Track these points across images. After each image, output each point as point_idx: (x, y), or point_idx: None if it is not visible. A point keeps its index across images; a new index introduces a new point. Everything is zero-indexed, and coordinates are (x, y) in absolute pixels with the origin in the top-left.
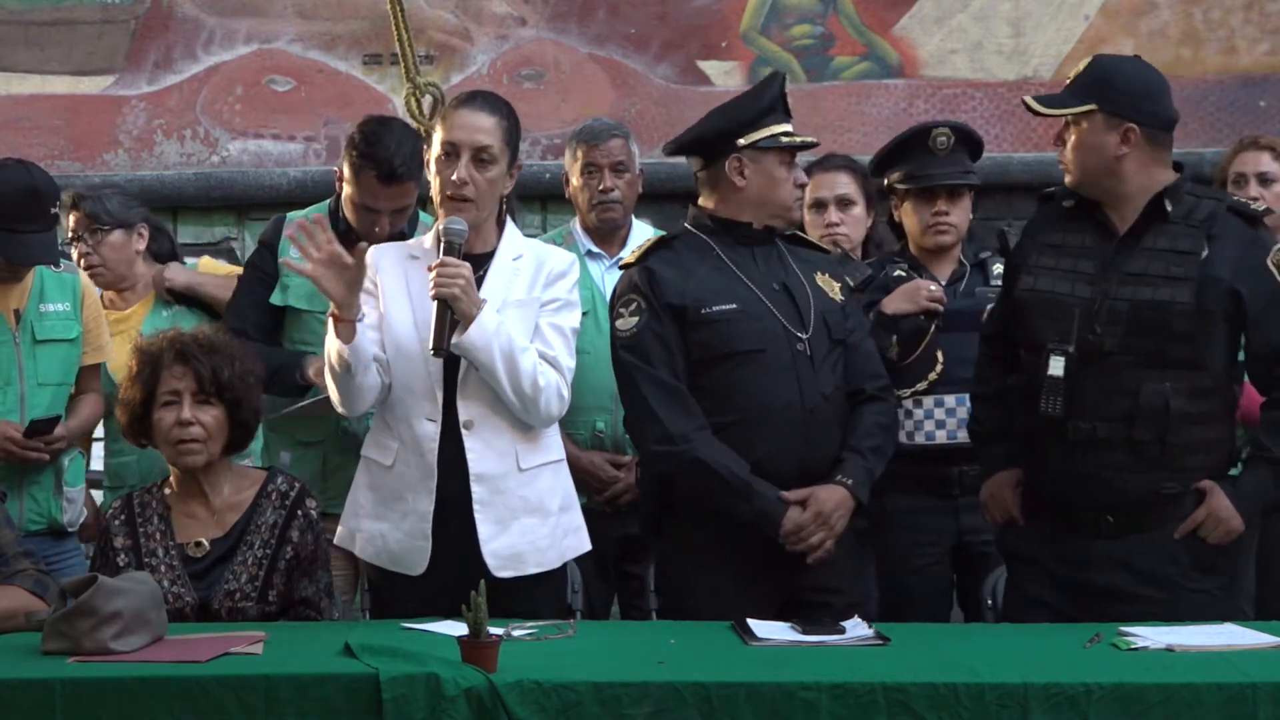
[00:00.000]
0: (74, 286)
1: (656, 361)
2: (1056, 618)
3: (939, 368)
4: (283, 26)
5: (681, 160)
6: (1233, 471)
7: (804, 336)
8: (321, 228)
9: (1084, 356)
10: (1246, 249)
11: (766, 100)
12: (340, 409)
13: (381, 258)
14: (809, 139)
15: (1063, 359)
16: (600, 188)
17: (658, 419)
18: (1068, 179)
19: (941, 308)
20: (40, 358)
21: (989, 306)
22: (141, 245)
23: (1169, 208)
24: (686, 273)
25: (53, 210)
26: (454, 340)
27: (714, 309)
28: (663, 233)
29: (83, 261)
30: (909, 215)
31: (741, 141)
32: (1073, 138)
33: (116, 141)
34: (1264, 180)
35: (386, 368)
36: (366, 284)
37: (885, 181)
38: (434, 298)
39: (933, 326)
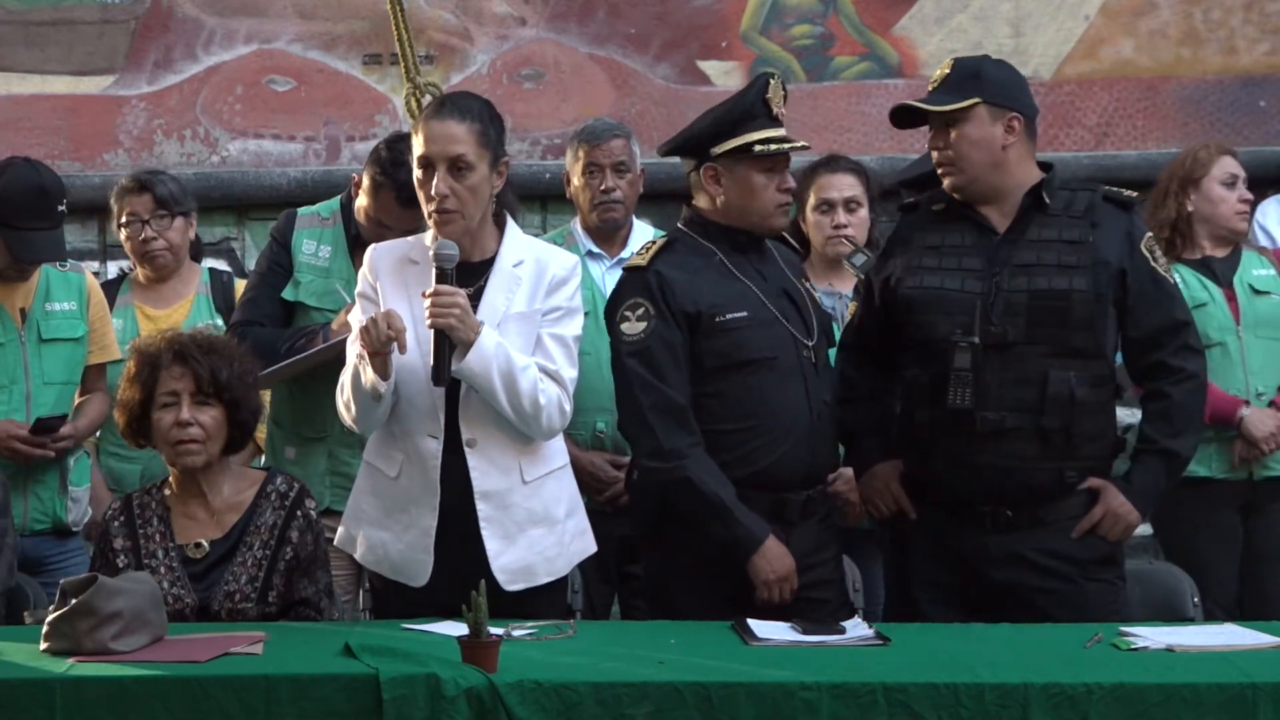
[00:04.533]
0: (80, 286)
1: (664, 373)
2: (953, 614)
3: None
4: (283, 26)
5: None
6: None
7: (810, 343)
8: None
9: (987, 348)
10: (1126, 233)
11: (741, 107)
12: (352, 424)
13: (380, 262)
14: (786, 146)
15: (969, 351)
16: (602, 188)
17: (653, 432)
18: (954, 179)
19: None
20: (46, 356)
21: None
22: (192, 235)
23: (1047, 200)
24: (695, 277)
25: (59, 209)
26: (453, 367)
27: (728, 316)
28: (663, 233)
29: (141, 246)
30: None
31: (714, 151)
32: (957, 135)
33: (116, 141)
34: (1243, 182)
35: (395, 385)
36: (366, 289)
37: (919, 193)
38: (430, 328)
39: None
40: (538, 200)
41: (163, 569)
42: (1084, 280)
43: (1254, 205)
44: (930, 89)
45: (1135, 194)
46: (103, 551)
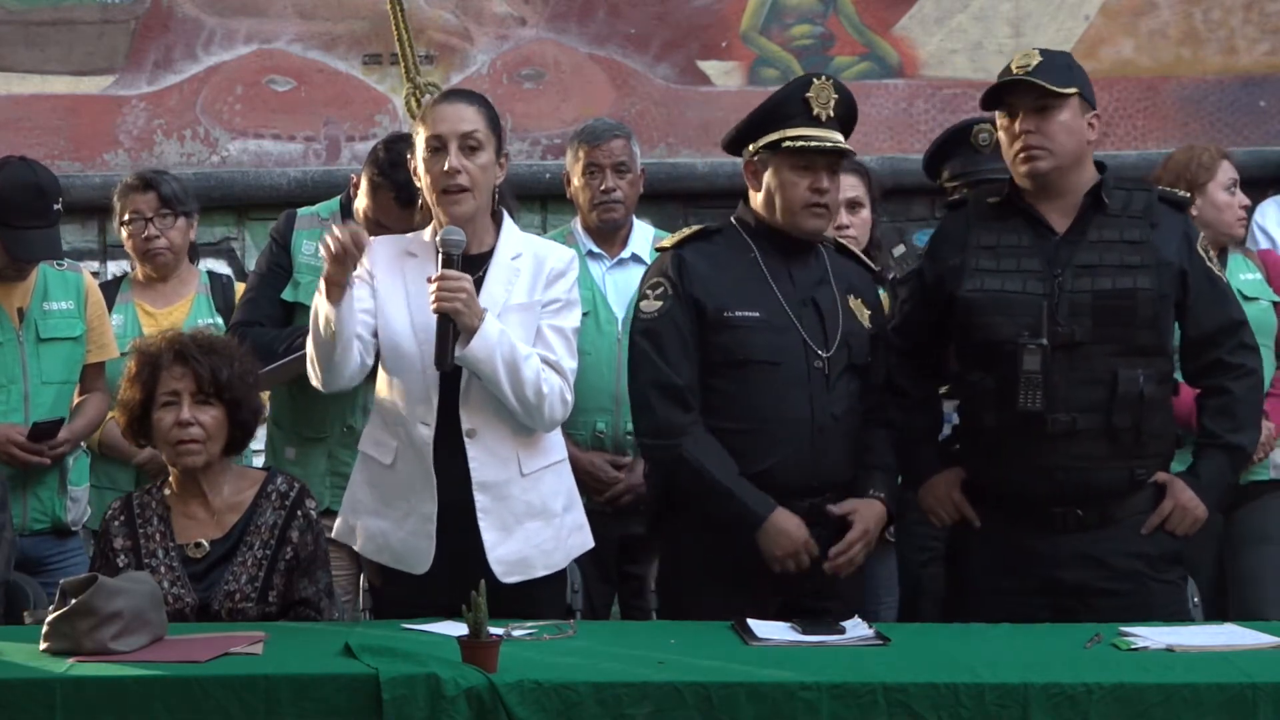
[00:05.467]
0: (77, 285)
1: (669, 354)
2: (1017, 619)
3: None
4: (283, 26)
5: (681, 160)
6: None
7: (824, 355)
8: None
9: (1055, 349)
10: (1184, 234)
11: (777, 101)
12: (317, 380)
13: (377, 253)
14: (814, 144)
15: (1038, 354)
16: (602, 188)
17: (653, 410)
18: (1041, 164)
19: None
20: (44, 356)
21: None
22: (193, 236)
23: (1107, 200)
24: (719, 270)
25: (56, 207)
26: (457, 353)
27: (736, 314)
28: (664, 233)
29: (143, 245)
30: None
31: (752, 146)
32: (1054, 121)
33: (116, 141)
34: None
35: (369, 348)
36: (361, 272)
37: (939, 181)
38: (435, 311)
39: None
40: (538, 200)
41: (163, 569)
42: (1148, 279)
43: (1252, 206)
44: (1020, 73)
45: (1188, 195)
46: (103, 551)
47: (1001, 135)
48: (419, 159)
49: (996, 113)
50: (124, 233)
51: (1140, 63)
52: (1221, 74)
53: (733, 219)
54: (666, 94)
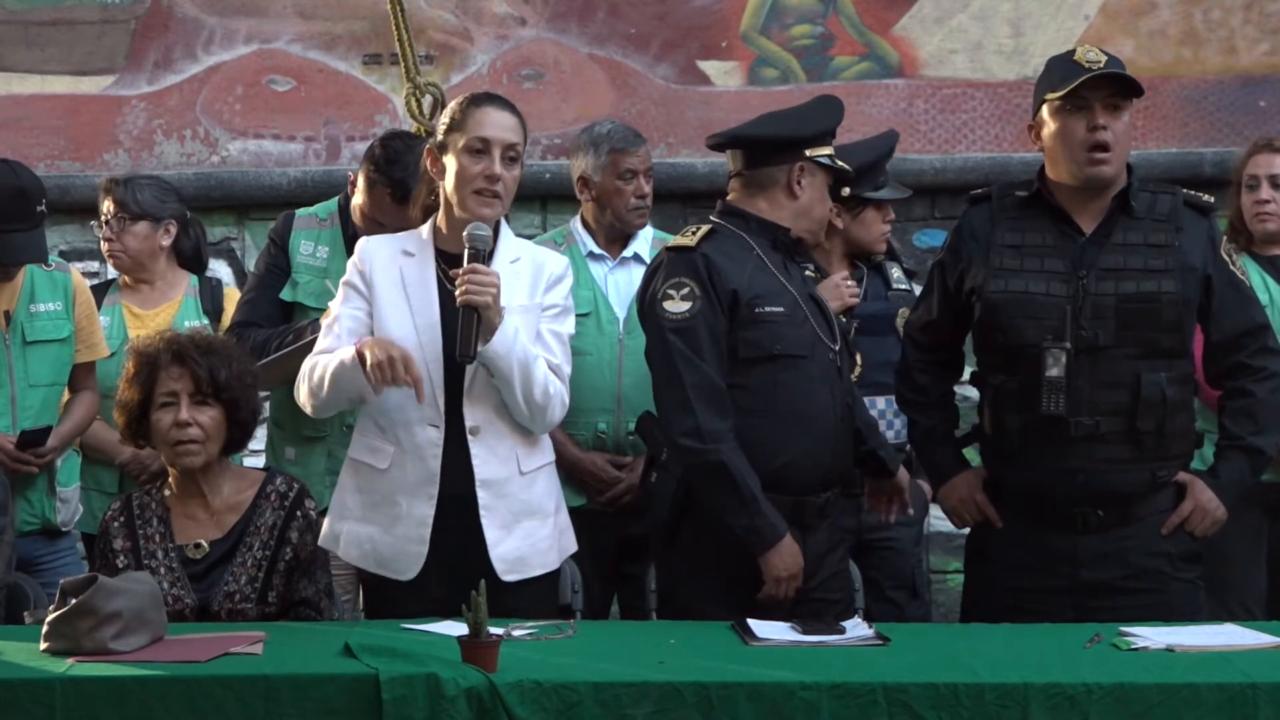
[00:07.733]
0: (65, 285)
1: (706, 354)
2: (1039, 619)
3: (858, 370)
4: (283, 26)
5: (681, 160)
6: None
7: (835, 347)
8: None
9: (1078, 352)
10: (1207, 239)
11: (835, 121)
12: (309, 406)
13: (374, 253)
14: (847, 167)
15: (1063, 357)
16: (639, 194)
17: (693, 413)
18: (1111, 168)
19: (857, 301)
20: (31, 359)
21: (900, 309)
22: (167, 241)
23: (1133, 203)
24: (738, 266)
25: (39, 209)
26: (479, 348)
27: (767, 309)
28: (664, 234)
29: (105, 247)
30: None
31: (809, 153)
32: (1123, 122)
33: (116, 141)
34: (1276, 183)
35: None
36: (354, 278)
37: None
38: (462, 304)
39: (852, 328)
40: (538, 200)
41: (162, 569)
42: (1172, 283)
43: None
44: (1095, 68)
45: (1212, 199)
46: (103, 552)
47: (1054, 128)
48: (454, 156)
49: (1052, 105)
50: (100, 234)
51: (1140, 63)
52: (1221, 74)
53: (717, 218)
54: (666, 94)
